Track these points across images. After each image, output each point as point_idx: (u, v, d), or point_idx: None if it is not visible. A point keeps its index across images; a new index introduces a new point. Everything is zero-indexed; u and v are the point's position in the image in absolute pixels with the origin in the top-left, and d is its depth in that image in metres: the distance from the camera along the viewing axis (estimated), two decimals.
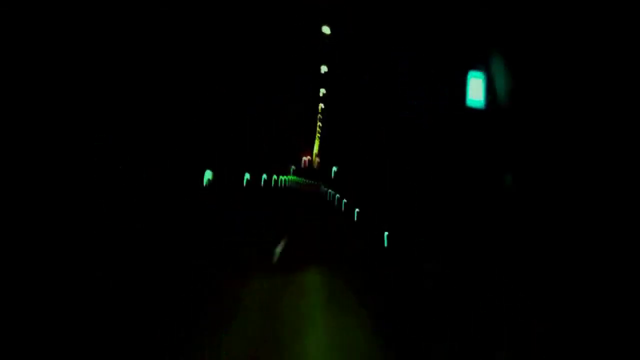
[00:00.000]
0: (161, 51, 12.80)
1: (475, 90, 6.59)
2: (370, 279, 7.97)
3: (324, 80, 43.39)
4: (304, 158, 59.80)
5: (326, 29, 30.51)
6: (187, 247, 8.11)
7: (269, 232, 11.31)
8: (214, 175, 17.55)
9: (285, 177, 45.69)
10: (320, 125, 56.68)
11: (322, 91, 47.45)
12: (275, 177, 37.61)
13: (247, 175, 25.73)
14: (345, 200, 21.65)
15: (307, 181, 56.21)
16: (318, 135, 58.58)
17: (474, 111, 6.56)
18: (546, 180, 5.16)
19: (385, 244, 9.89)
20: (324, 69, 40.85)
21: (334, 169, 32.53)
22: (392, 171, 11.70)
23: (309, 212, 21.63)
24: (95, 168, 9.36)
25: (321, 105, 52.68)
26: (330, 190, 31.10)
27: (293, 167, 56.29)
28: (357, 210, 16.40)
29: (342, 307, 6.04)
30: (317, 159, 59.10)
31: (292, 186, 46.16)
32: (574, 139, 4.90)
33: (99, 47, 9.41)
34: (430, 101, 9.20)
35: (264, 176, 32.70)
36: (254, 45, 27.35)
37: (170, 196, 13.04)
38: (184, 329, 4.66)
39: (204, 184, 16.46)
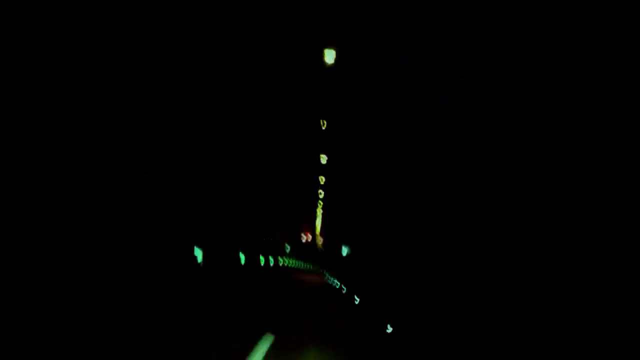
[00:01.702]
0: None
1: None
2: None
3: (324, 144, 38.33)
4: (304, 234, 56.19)
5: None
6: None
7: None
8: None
9: (281, 258, 42.00)
10: (322, 194, 52.75)
11: (323, 158, 42.03)
12: (276, 258, 36.14)
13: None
14: None
15: (306, 266, 47.57)
16: (320, 202, 54.18)
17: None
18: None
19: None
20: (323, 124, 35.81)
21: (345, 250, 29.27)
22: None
23: None
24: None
25: (322, 178, 48.66)
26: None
27: (289, 247, 51.23)
28: None
29: None
30: (320, 237, 55.69)
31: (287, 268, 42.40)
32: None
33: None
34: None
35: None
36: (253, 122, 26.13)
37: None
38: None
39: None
